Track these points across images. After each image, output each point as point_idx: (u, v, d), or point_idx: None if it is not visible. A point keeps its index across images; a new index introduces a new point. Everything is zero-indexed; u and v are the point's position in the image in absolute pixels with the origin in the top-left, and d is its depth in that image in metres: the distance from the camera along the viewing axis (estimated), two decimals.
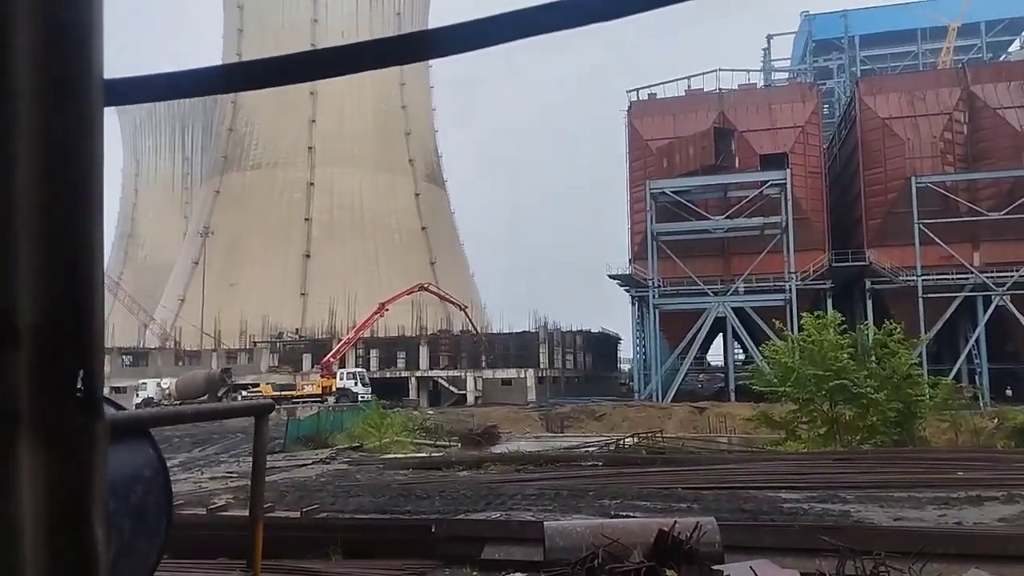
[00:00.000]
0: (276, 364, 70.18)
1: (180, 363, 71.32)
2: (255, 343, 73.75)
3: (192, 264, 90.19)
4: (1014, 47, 77.79)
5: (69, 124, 0.78)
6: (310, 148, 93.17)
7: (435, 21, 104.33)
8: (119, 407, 2.85)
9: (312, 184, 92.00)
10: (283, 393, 52.93)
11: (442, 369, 65.39)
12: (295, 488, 17.29)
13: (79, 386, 0.80)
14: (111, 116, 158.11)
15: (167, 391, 54.53)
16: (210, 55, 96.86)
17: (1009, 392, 51.10)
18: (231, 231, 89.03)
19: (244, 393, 52.88)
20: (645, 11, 1.76)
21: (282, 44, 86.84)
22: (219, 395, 52.61)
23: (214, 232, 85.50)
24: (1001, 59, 72.64)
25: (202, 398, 51.45)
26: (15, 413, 0.72)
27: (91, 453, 0.79)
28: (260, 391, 52.55)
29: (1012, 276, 51.01)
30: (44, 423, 0.75)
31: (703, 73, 63.76)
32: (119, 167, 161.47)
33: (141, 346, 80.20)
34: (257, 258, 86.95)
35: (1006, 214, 51.19)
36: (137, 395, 56.57)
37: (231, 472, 21.98)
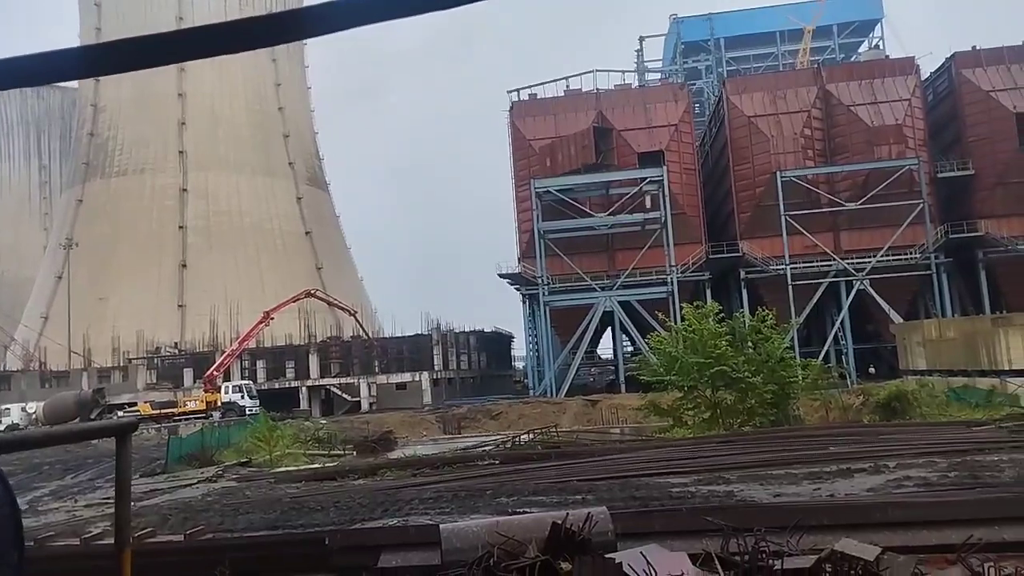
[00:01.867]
0: (154, 381, 66.65)
1: (47, 385, 66.59)
2: (130, 360, 69.76)
3: (55, 278, 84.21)
4: (863, 48, 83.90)
5: None
6: (181, 152, 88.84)
7: None
8: None
9: (185, 190, 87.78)
10: (164, 411, 50.43)
11: (334, 377, 63.95)
12: (179, 510, 16.47)
13: None
14: None
15: (33, 415, 50.81)
16: None
17: (872, 370, 55.07)
18: (98, 242, 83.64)
19: (120, 414, 49.87)
20: (455, 6, 1.78)
21: (147, 19, 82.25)
22: (92, 417, 49.39)
23: (78, 244, 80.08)
24: (852, 59, 78.16)
25: (73, 421, 48.17)
26: None
27: None
28: (138, 410, 49.76)
29: (870, 262, 55.01)
30: None
31: (581, 74, 65.60)
32: None
33: (2, 369, 74.28)
34: (128, 270, 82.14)
35: (862, 204, 55.15)
36: (0, 421, 52.42)
37: (108, 498, 20.70)
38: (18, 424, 50.44)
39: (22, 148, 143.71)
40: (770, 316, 29.24)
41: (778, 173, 56.29)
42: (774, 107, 59.43)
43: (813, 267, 56.03)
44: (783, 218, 55.32)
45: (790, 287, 54.75)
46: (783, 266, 55.55)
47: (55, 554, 10.85)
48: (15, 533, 2.56)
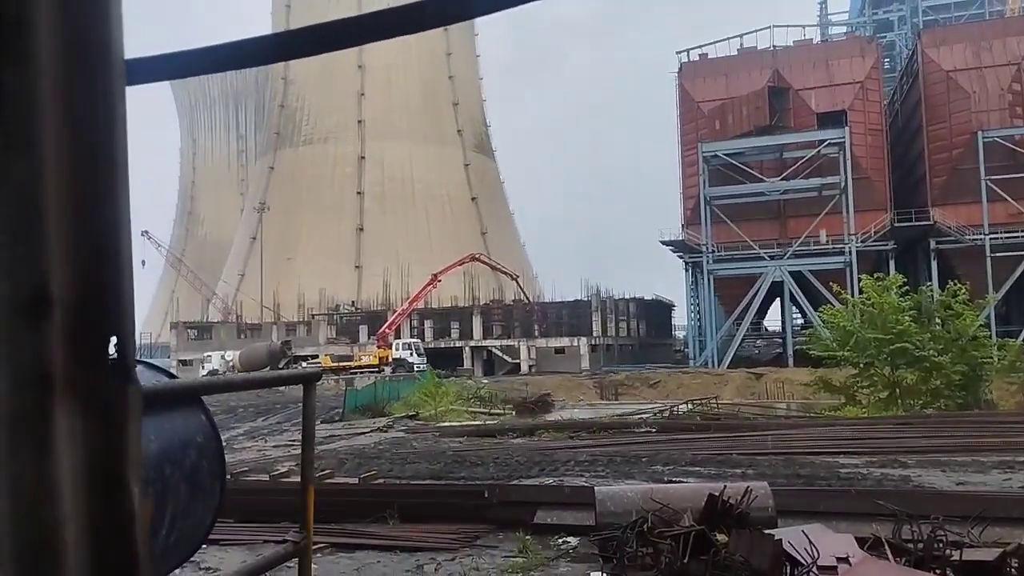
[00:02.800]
0: (334, 336, 71.60)
1: (242, 336, 73.25)
2: (313, 316, 75.31)
3: (250, 240, 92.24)
4: None
5: (92, 102, 0.81)
6: (360, 122, 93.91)
7: None
8: (172, 376, 2.99)
9: (363, 158, 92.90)
10: (341, 364, 54.06)
11: (495, 338, 65.77)
12: (354, 455, 17.74)
13: (111, 352, 0.82)
14: (167, 96, 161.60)
15: (231, 363, 56.22)
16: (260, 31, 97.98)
17: None
18: (286, 206, 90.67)
19: (304, 364, 54.11)
20: None
21: (330, 15, 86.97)
22: (280, 366, 53.99)
23: (270, 208, 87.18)
24: None
25: (265, 369, 52.93)
26: (50, 378, 0.76)
27: (125, 416, 0.82)
28: (319, 362, 53.76)
29: None
30: (78, 387, 0.78)
31: (757, 30, 61.98)
32: (177, 146, 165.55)
33: (205, 320, 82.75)
34: (312, 232, 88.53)
35: None
36: (203, 367, 58.55)
37: (294, 440, 22.68)
38: (217, 370, 56.06)
39: (222, 120, 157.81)
40: (963, 290, 26.75)
41: (980, 133, 50.90)
42: (977, 60, 53.56)
43: (1017, 237, 50.37)
44: (984, 182, 50.08)
45: (988, 259, 49.67)
46: (981, 236, 50.42)
47: (248, 488, 12.08)
48: (221, 466, 2.89)
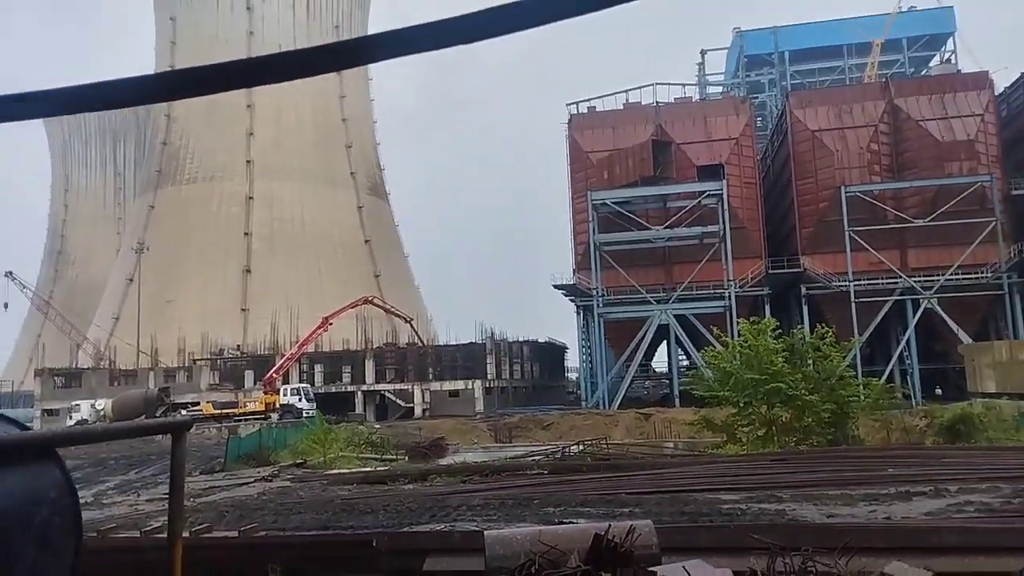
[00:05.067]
0: (217, 382, 68.58)
1: (116, 383, 69.17)
2: (194, 361, 71.96)
3: (126, 281, 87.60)
4: (934, 62, 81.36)
5: None
6: (248, 161, 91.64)
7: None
8: (23, 427, 2.80)
9: (251, 198, 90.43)
10: (225, 411, 51.84)
11: (389, 382, 64.80)
12: (235, 507, 16.93)
13: None
14: (37, 131, 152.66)
15: (102, 412, 52.81)
16: (143, 70, 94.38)
17: (939, 391, 53.18)
18: (167, 247, 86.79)
19: (183, 412, 51.53)
20: (523, 29, 1.86)
21: (216, 57, 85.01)
22: (157, 415, 51.14)
23: (149, 248, 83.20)
24: (923, 73, 75.90)
25: (140, 419, 49.94)
26: None
27: None
28: (200, 410, 51.30)
29: (938, 280, 53.21)
30: None
31: (640, 87, 65.04)
32: (46, 182, 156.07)
33: (74, 367, 77.46)
34: (195, 274, 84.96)
35: (930, 221, 53.44)
36: (71, 417, 54.66)
37: (168, 494, 21.39)
38: (87, 420, 52.47)
39: (99, 156, 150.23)
40: (829, 333, 28.54)
41: (843, 188, 55.00)
42: (839, 121, 58.16)
43: (878, 284, 54.45)
44: (847, 234, 54.00)
45: (853, 304, 53.34)
46: (846, 283, 54.17)
47: (115, 546, 11.31)
48: (76, 524, 2.71)
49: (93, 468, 27.86)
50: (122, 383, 69.00)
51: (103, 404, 54.15)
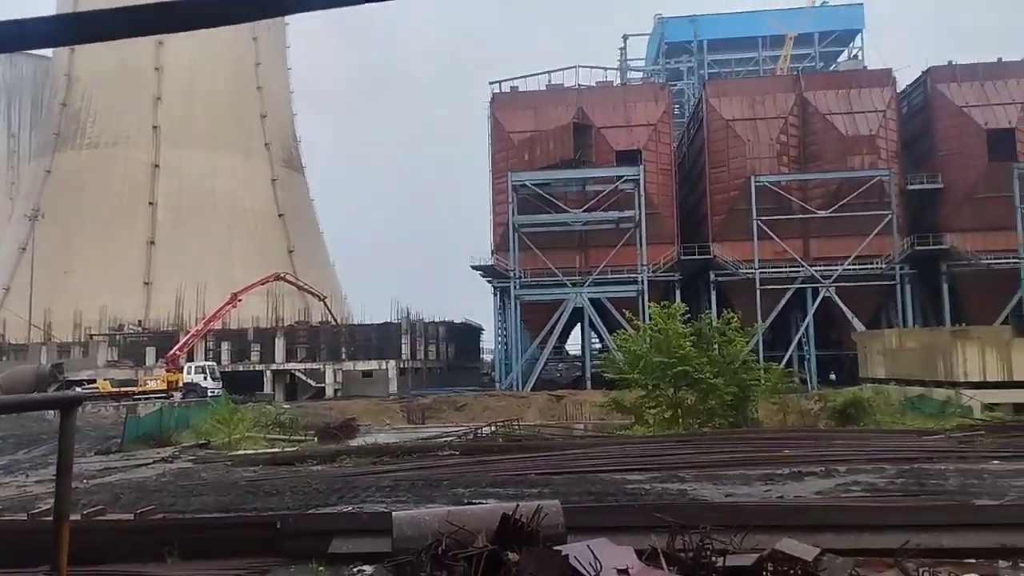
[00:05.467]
0: (116, 358, 65.65)
1: (4, 358, 65.45)
2: (91, 336, 68.63)
3: (19, 250, 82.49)
4: (843, 57, 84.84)
5: None
6: (155, 127, 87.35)
7: None
8: None
9: (157, 166, 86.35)
10: (124, 389, 49.73)
11: (300, 361, 63.46)
12: (132, 489, 16.29)
13: None
14: None
15: None
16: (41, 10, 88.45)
17: (833, 376, 55.98)
18: (65, 214, 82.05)
19: (78, 390, 49.09)
20: None
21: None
22: (49, 392, 48.56)
23: (44, 215, 78.50)
24: (831, 68, 79.05)
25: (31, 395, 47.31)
26: None
27: None
28: (97, 387, 49.01)
29: (836, 270, 55.85)
30: None
31: (563, 69, 65.41)
32: None
33: None
34: (95, 244, 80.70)
35: (832, 212, 55.95)
36: None
37: None
38: None
39: None
40: (735, 319, 29.57)
41: (752, 178, 56.86)
42: (752, 112, 59.99)
43: (781, 272, 56.72)
44: (755, 223, 55.93)
45: (758, 291, 55.41)
46: (752, 270, 56.19)
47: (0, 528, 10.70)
48: None
49: None
50: (11, 358, 65.37)
51: None
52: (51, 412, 27.38)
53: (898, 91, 61.22)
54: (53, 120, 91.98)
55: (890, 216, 55.48)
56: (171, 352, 53.95)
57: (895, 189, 56.50)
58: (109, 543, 9.40)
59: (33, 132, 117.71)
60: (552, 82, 64.74)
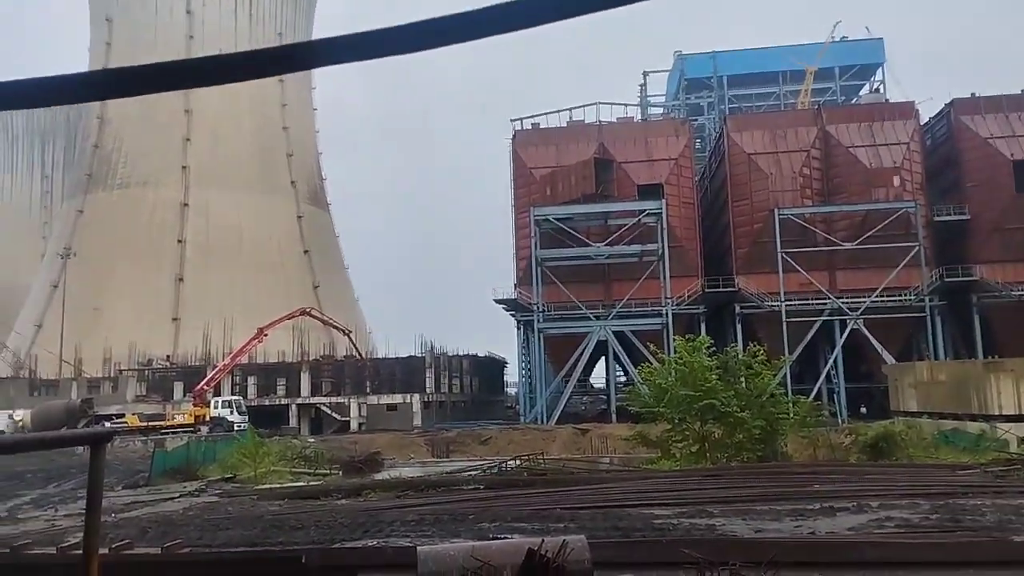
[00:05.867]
0: (144, 393, 66.29)
1: (36, 393, 66.28)
2: (120, 371, 69.43)
3: (51, 288, 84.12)
4: (864, 91, 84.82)
5: None
6: (184, 167, 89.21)
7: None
8: None
9: (186, 205, 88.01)
10: (152, 424, 50.17)
11: (325, 395, 63.68)
12: (158, 523, 16.37)
13: None
14: None
15: (20, 423, 50.46)
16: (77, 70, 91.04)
17: (863, 410, 54.93)
18: (95, 253, 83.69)
19: (107, 424, 49.59)
20: (472, 39, 1.87)
21: (151, 59, 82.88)
22: (79, 427, 49.09)
23: (76, 254, 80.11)
24: (853, 102, 79.00)
25: (61, 430, 47.84)
26: None
27: None
28: (125, 422, 49.47)
29: (864, 301, 55.18)
30: None
31: (584, 106, 65.96)
32: None
33: None
34: (124, 282, 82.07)
35: (858, 244, 55.47)
36: None
37: None
38: (2, 431, 50.06)
39: (26, 158, 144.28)
40: (761, 352, 29.27)
41: (776, 211, 56.64)
42: (774, 145, 59.99)
43: (808, 305, 56.15)
44: (779, 255, 55.58)
45: (784, 324, 54.84)
46: (778, 303, 55.70)
47: (29, 562, 10.79)
48: None
49: (8, 482, 26.58)
50: (43, 393, 66.20)
51: (21, 415, 51.80)
52: (80, 447, 27.69)
53: (921, 124, 60.98)
54: (85, 161, 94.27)
55: (918, 247, 54.89)
56: (198, 387, 54.45)
57: (922, 220, 55.98)
58: None
59: (66, 173, 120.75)
60: (573, 119, 65.32)
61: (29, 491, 25.36)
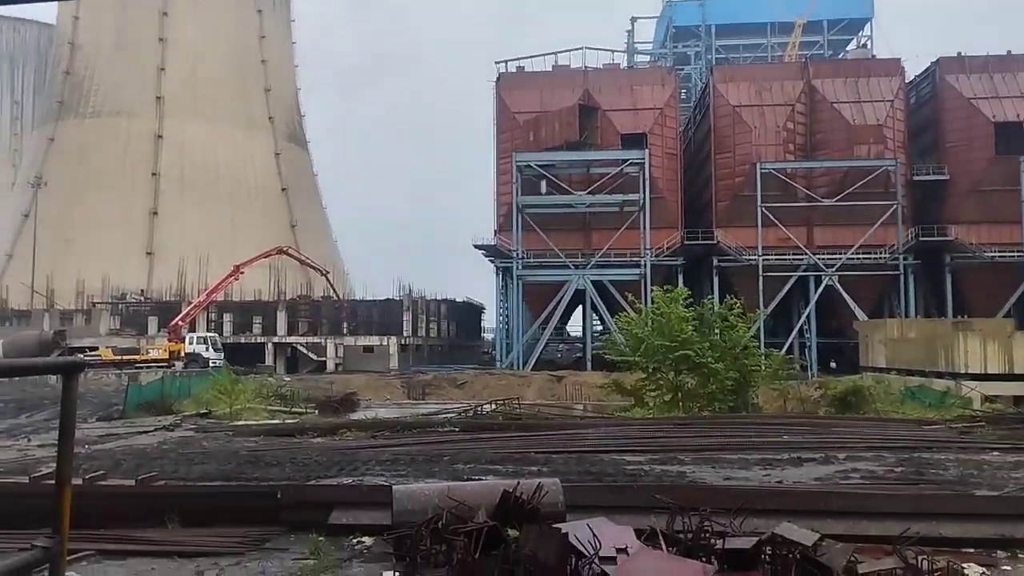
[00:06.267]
0: (118, 327, 65.80)
1: (7, 324, 65.57)
2: (94, 304, 68.71)
3: (22, 217, 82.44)
4: (851, 46, 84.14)
5: None
6: (158, 98, 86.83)
7: None
8: None
9: (161, 136, 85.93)
10: (125, 357, 49.89)
11: (301, 335, 63.65)
12: (133, 455, 16.37)
13: None
14: None
15: None
16: None
17: (833, 364, 55.97)
18: (67, 183, 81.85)
19: (81, 357, 49.20)
20: None
21: None
22: (52, 358, 48.69)
23: (47, 183, 78.29)
24: (840, 56, 78.39)
25: None
26: None
27: None
28: (99, 355, 49.15)
29: (840, 258, 55.72)
30: None
31: (570, 50, 64.83)
32: None
33: None
34: (97, 213, 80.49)
35: (837, 201, 55.72)
36: None
37: None
38: None
39: None
40: (737, 304, 29.54)
41: (758, 164, 56.57)
42: (759, 98, 59.55)
43: (785, 260, 56.59)
44: (759, 209, 55.72)
45: (760, 278, 55.32)
46: (755, 257, 56.07)
47: (1, 491, 10.75)
48: None
49: None
50: (14, 324, 65.50)
51: None
52: (53, 378, 27.50)
53: (907, 81, 60.74)
54: (56, 88, 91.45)
55: (895, 206, 55.27)
56: (173, 322, 54.09)
57: (901, 179, 56.23)
58: (110, 508, 9.45)
59: (37, 99, 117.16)
60: (558, 63, 64.23)
61: (1, 421, 25.23)
